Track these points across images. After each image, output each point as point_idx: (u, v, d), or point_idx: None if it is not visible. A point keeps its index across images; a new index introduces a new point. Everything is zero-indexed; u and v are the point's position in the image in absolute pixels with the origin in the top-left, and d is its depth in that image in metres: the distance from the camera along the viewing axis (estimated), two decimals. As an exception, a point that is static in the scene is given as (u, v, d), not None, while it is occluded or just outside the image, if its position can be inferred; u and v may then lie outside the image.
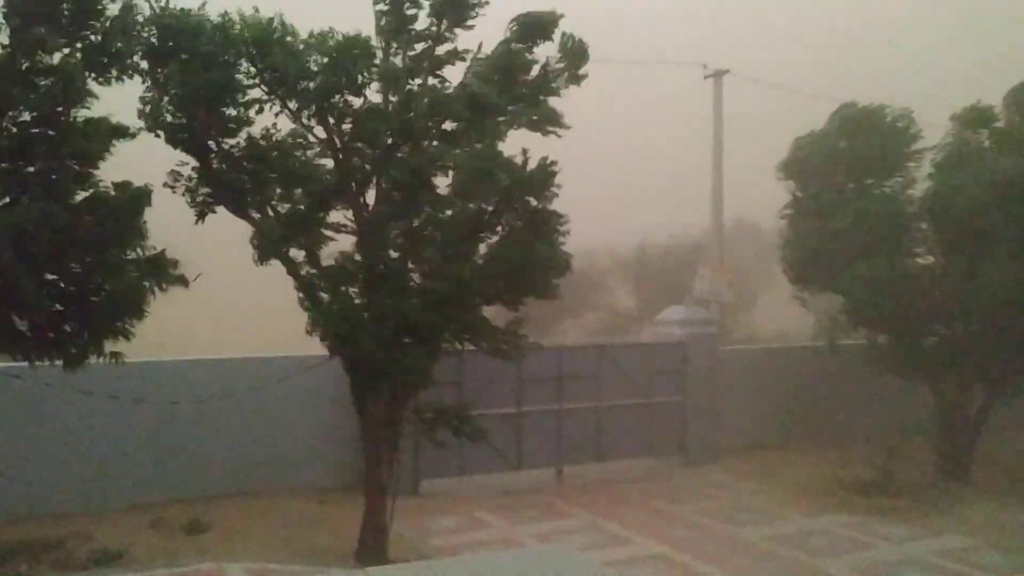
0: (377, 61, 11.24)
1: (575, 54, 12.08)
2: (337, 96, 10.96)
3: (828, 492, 16.63)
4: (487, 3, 11.86)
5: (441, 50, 12.00)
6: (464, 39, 12.11)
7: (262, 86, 11.03)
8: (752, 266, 30.13)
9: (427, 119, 11.29)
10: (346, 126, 11.37)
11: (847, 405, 20.70)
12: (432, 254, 11.90)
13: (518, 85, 11.95)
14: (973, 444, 17.77)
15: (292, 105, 11.21)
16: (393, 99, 11.61)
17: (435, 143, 11.58)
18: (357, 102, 11.19)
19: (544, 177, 11.58)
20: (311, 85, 10.84)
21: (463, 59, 12.03)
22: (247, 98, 11.04)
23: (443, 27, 11.91)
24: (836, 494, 16.49)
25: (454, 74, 12.08)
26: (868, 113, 17.62)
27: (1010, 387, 17.54)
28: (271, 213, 11.74)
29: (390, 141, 11.37)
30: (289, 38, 10.78)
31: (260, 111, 11.21)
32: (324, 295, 11.66)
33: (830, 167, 17.75)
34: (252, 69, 10.85)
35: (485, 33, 12.08)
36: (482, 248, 12.18)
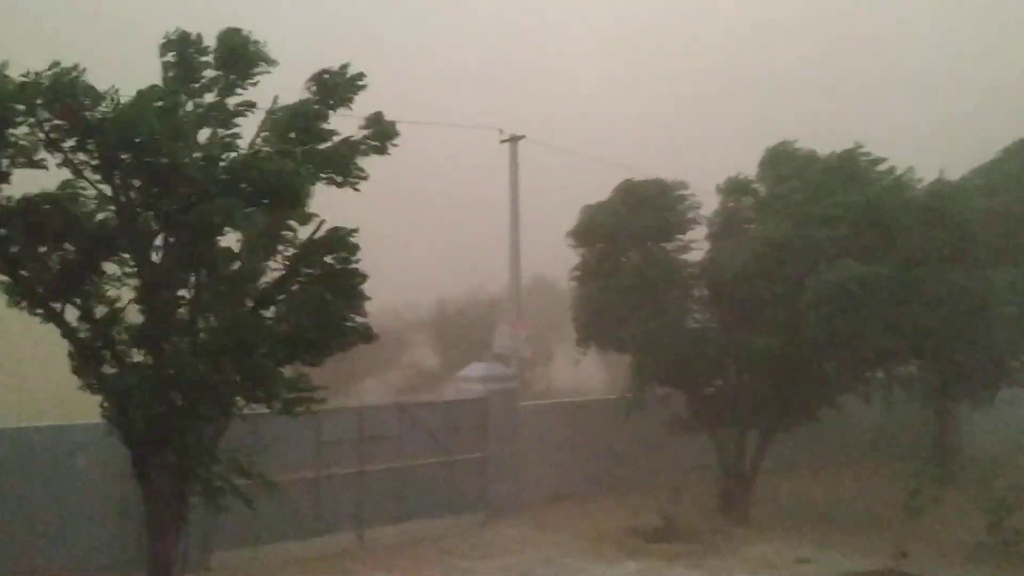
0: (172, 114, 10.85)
1: (383, 134, 12.20)
2: (128, 153, 10.44)
3: (622, 541, 17.33)
4: (274, 62, 11.83)
5: (232, 102, 11.83)
6: (263, 93, 12.02)
7: (44, 138, 10.35)
8: (549, 322, 31.18)
9: (223, 182, 10.96)
10: (135, 181, 10.85)
11: (642, 454, 21.68)
12: (221, 311, 11.48)
13: (314, 141, 11.84)
14: (750, 487, 19.15)
15: (78, 158, 10.60)
16: (187, 154, 11.21)
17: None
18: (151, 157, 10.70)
19: (342, 241, 11.55)
20: (94, 141, 10.28)
21: (252, 112, 11.91)
22: (11, 151, 10.30)
23: (231, 79, 11.76)
24: (629, 542, 17.21)
25: (246, 125, 11.94)
26: (649, 186, 18.91)
27: (780, 433, 19.10)
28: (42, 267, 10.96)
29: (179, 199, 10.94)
30: (82, 93, 10.10)
31: (36, 164, 10.51)
32: (105, 359, 10.97)
33: (615, 234, 18.82)
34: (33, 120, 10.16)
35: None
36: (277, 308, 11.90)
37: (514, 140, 24.37)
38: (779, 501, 20.32)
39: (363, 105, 12.37)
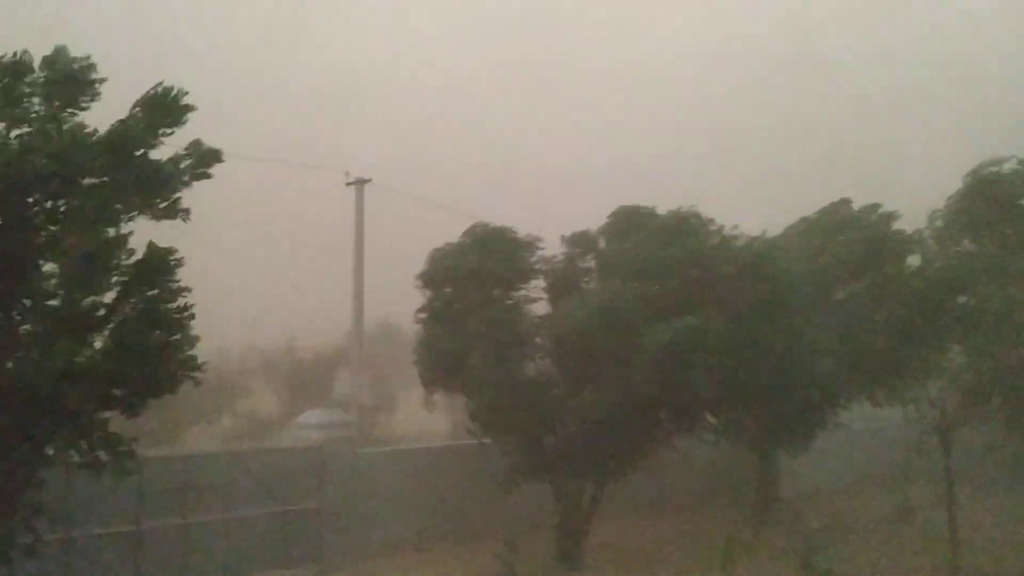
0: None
1: (206, 155, 11.79)
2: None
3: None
4: (103, 80, 11.26)
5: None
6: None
7: None
8: (395, 368, 30.87)
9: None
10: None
11: (483, 501, 21.58)
12: (32, 349, 10.64)
13: (135, 165, 11.28)
14: (586, 534, 19.42)
15: None
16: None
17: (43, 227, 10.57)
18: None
19: (163, 266, 11.04)
20: None
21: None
22: None
23: (56, 106, 11.11)
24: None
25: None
26: (496, 232, 19.17)
27: (615, 480, 19.52)
28: None
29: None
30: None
31: None
32: None
33: (462, 278, 18.92)
34: None
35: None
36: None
37: (360, 183, 24.17)
38: (613, 547, 20.69)
39: (209, 141, 11.98)
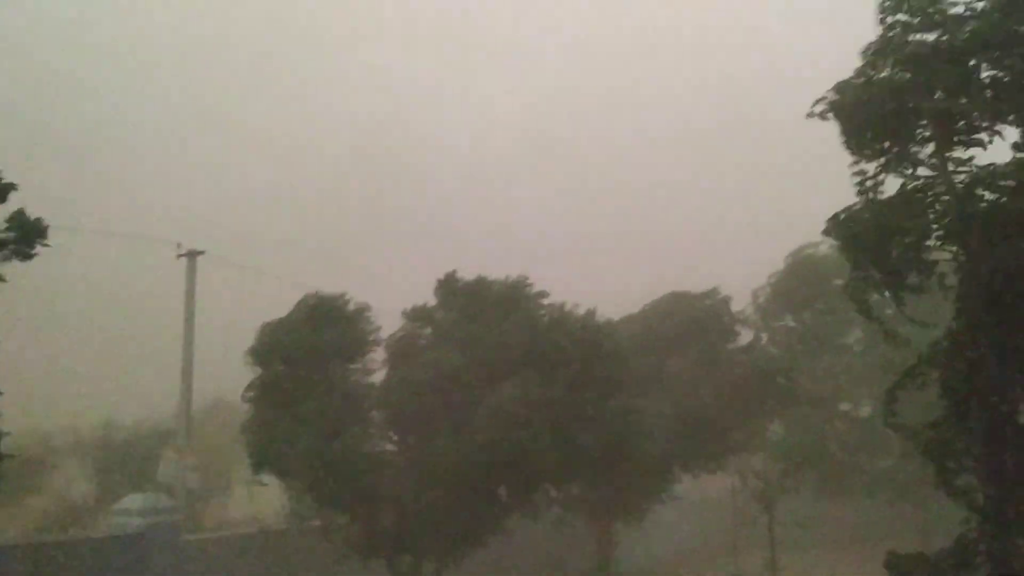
0: None
1: (30, 230, 11.12)
2: None
3: None
4: None
5: None
6: None
7: None
8: (228, 448, 29.45)
9: None
10: None
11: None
12: None
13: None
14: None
15: None
16: None
17: None
18: None
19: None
20: None
21: None
22: None
23: None
24: None
25: None
26: (330, 303, 18.87)
27: (455, 557, 19.19)
28: None
29: None
30: None
31: None
32: None
33: (296, 352, 18.39)
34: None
35: None
36: None
37: (192, 255, 23.21)
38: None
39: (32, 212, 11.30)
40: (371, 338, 19.24)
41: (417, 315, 19.27)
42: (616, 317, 23.42)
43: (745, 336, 27.49)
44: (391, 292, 19.95)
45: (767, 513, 21.96)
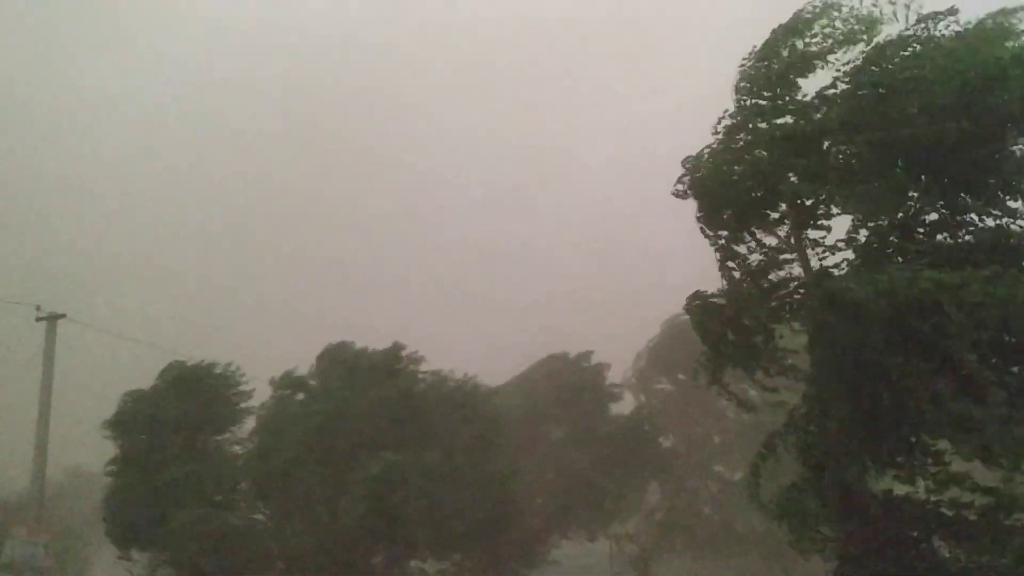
0: None
1: None
2: None
3: None
4: None
5: None
6: None
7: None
8: (89, 522, 27.68)
9: None
10: None
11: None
12: None
13: None
14: None
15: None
16: None
17: None
18: None
19: None
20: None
21: None
22: None
23: None
24: None
25: None
26: (197, 371, 18.26)
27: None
28: None
29: None
30: None
31: None
32: None
33: (159, 422, 17.68)
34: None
35: None
36: None
37: (52, 318, 21.92)
38: None
39: None
40: (241, 406, 18.70)
41: (287, 383, 18.85)
42: (495, 382, 23.49)
43: (627, 400, 28.03)
44: (271, 363, 19.48)
45: (642, 576, 22.16)
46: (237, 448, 18.44)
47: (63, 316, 22.08)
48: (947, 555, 10.74)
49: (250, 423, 18.71)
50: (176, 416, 17.50)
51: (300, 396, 18.96)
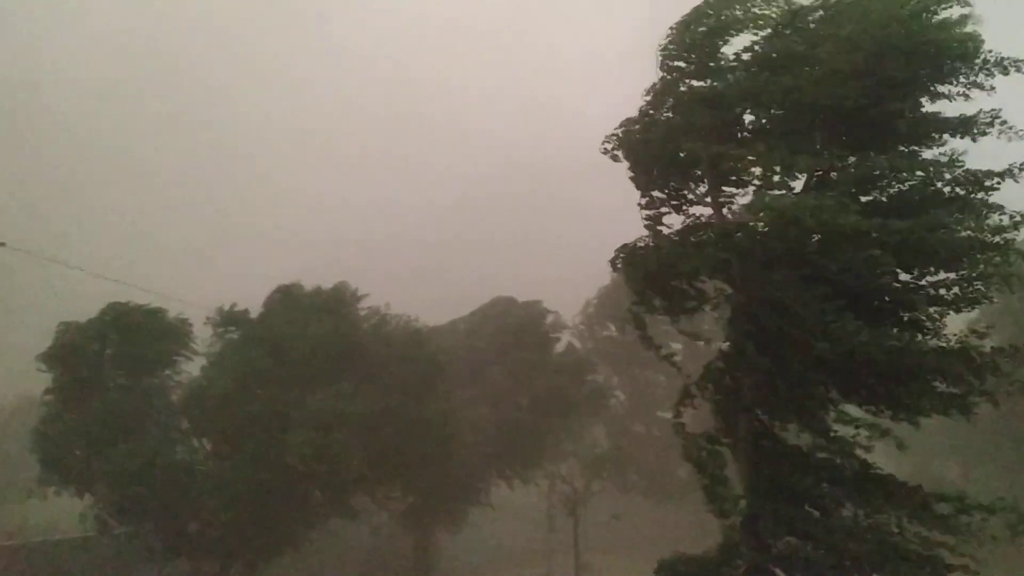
0: None
1: None
2: None
3: None
4: None
5: None
6: None
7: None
8: (21, 454, 27.75)
9: None
10: None
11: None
12: None
13: None
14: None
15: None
16: None
17: None
18: None
19: None
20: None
21: None
22: None
23: None
24: None
25: None
26: (140, 313, 18.13)
27: (264, 561, 18.96)
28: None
29: None
30: None
31: None
32: None
33: (96, 360, 17.58)
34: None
35: None
36: None
37: (-11, 246, 21.63)
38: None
39: None
40: (187, 345, 18.74)
41: (226, 319, 18.94)
42: (438, 322, 23.77)
43: (573, 349, 28.53)
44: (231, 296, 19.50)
45: (572, 516, 22.82)
46: (176, 385, 18.51)
47: (2, 244, 21.81)
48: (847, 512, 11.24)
49: (199, 363, 18.78)
50: (116, 353, 17.49)
51: (235, 333, 19.04)
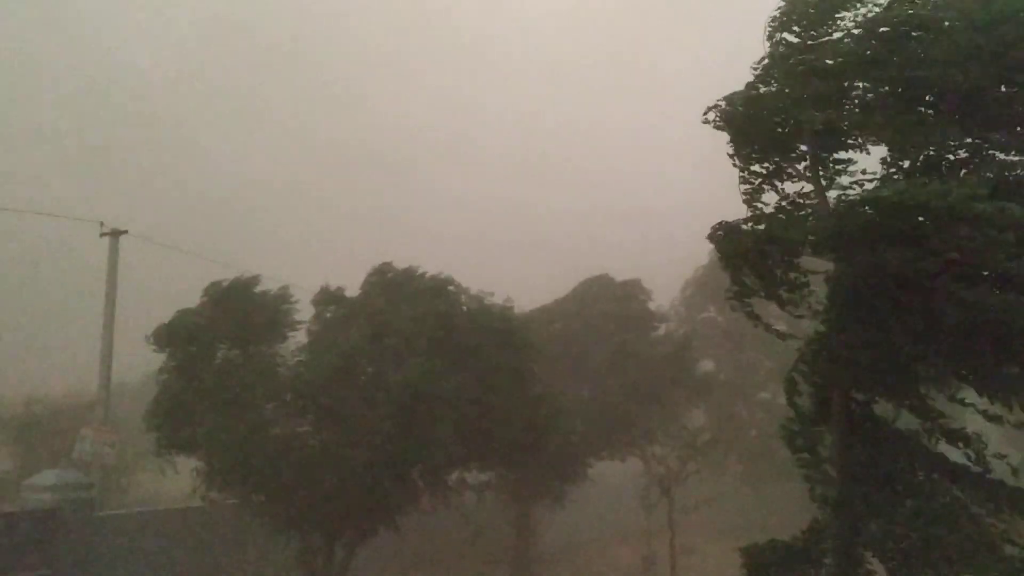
0: None
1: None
2: None
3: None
4: None
5: None
6: None
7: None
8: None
9: None
10: None
11: (224, 561, 20.98)
12: None
13: None
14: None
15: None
16: None
17: None
18: None
19: None
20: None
21: None
22: None
23: None
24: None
25: None
26: (238, 287, 18.87)
27: (368, 538, 19.57)
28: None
29: None
30: None
31: None
32: None
33: (201, 335, 18.34)
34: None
35: None
36: None
37: (115, 234, 23.18)
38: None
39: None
40: (290, 320, 19.38)
41: (326, 299, 19.53)
42: (533, 305, 23.94)
43: (669, 330, 28.28)
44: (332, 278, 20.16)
45: (667, 497, 22.77)
46: (284, 360, 19.20)
47: (125, 232, 23.30)
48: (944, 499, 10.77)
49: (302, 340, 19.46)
50: (216, 328, 18.23)
51: (338, 312, 19.58)
